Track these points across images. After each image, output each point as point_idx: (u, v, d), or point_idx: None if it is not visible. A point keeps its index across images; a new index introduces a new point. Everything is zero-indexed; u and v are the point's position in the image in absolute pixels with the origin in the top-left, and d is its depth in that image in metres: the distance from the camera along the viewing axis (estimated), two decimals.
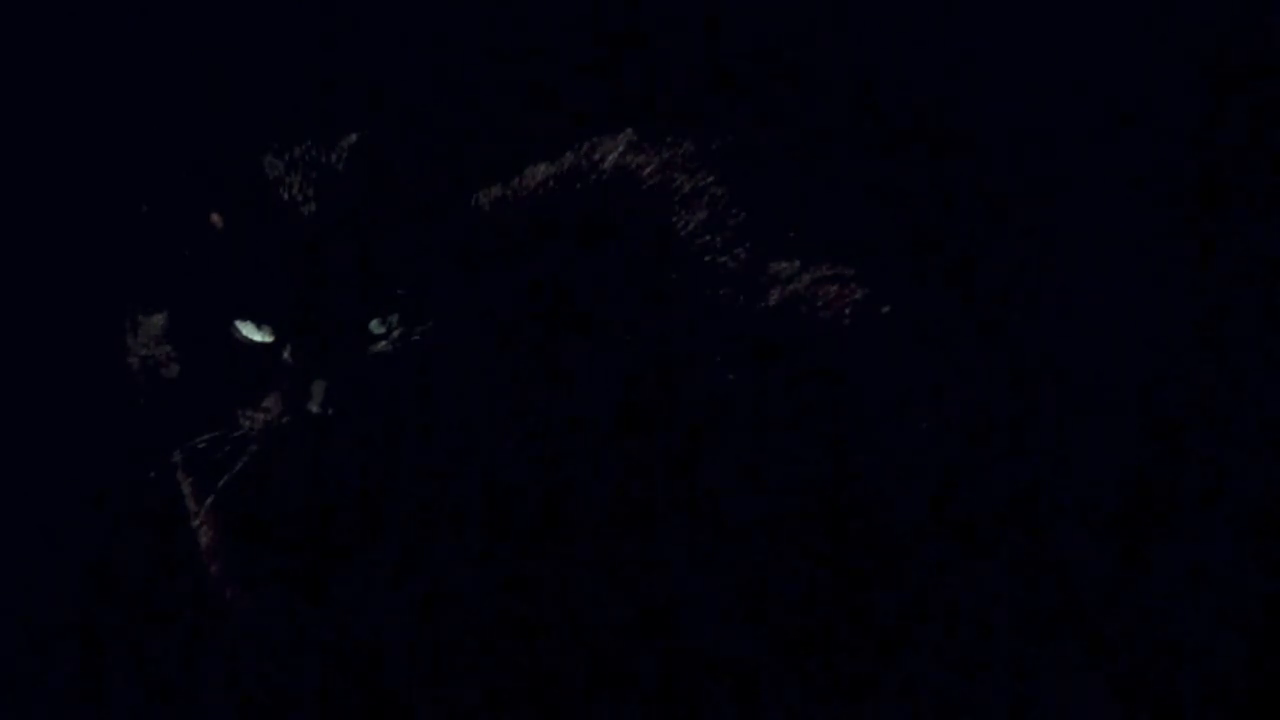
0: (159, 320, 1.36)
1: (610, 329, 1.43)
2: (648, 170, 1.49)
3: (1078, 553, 1.60)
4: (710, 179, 1.49)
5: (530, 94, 1.87)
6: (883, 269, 1.48)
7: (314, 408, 1.31)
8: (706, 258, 1.46)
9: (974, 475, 1.48)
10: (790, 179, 1.54)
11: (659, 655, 1.43)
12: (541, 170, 1.52)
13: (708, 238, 1.47)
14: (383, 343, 1.35)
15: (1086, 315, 1.77)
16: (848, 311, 1.45)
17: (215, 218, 1.34)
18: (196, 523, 1.43)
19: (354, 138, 1.38)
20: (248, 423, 1.33)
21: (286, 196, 1.35)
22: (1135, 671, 1.58)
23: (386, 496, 1.38)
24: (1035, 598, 1.54)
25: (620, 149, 1.51)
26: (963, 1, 1.84)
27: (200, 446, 1.34)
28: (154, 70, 1.83)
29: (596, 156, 1.51)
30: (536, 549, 1.41)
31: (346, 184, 1.36)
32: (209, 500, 1.37)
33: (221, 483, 1.34)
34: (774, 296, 1.45)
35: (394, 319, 1.35)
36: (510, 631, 1.41)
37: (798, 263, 1.46)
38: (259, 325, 1.33)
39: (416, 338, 1.35)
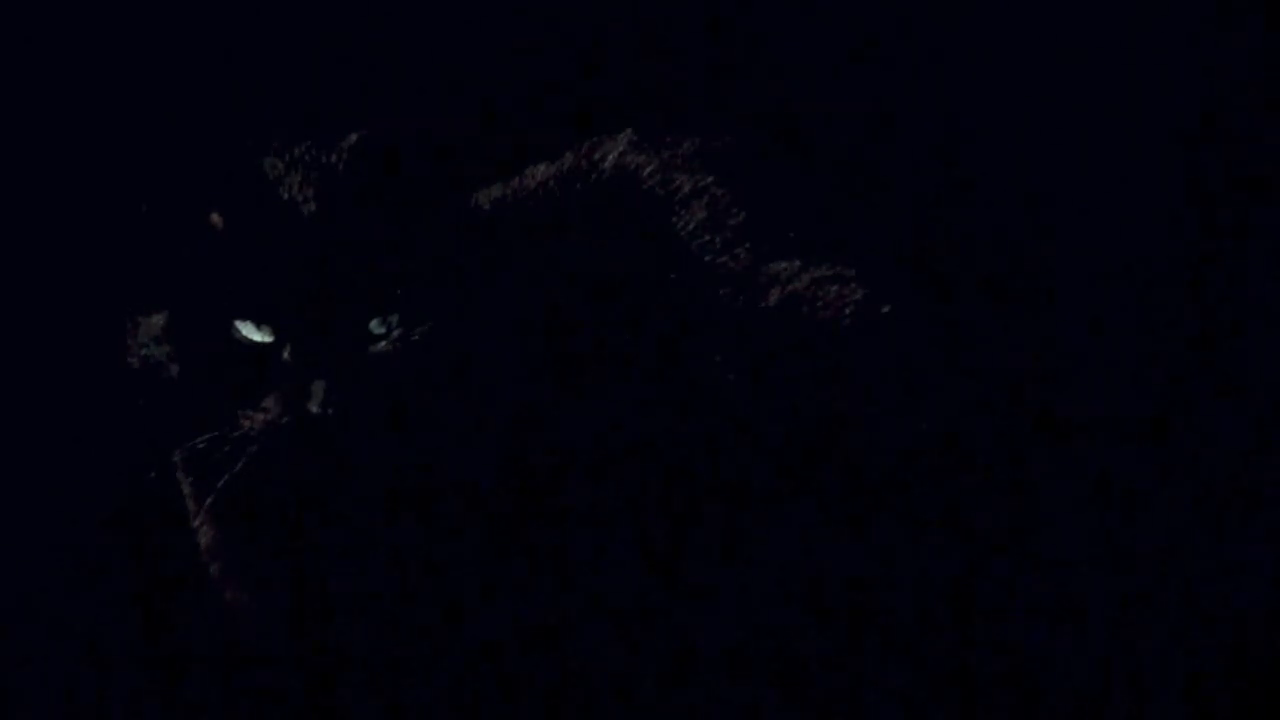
0: (159, 320, 1.36)
1: (610, 329, 1.43)
2: (648, 170, 1.49)
3: (1076, 553, 1.60)
4: (710, 179, 1.49)
5: (530, 94, 1.87)
6: (883, 269, 1.48)
7: (314, 408, 1.31)
8: (706, 258, 1.46)
9: (973, 476, 1.48)
10: (790, 179, 1.54)
11: (653, 654, 1.44)
12: (541, 170, 1.52)
13: (708, 238, 1.47)
14: (383, 343, 1.35)
15: (1087, 317, 1.77)
16: (848, 311, 1.45)
17: (215, 218, 1.34)
18: (196, 523, 1.43)
19: (354, 138, 1.38)
20: (248, 423, 1.33)
21: (286, 196, 1.35)
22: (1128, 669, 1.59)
23: (386, 497, 1.38)
24: (1032, 596, 1.55)
25: (620, 149, 1.51)
26: (965, 3, 1.84)
27: (200, 446, 1.34)
28: (154, 70, 1.83)
29: (596, 156, 1.51)
30: (536, 547, 1.41)
31: (346, 184, 1.36)
32: (209, 500, 1.37)
33: (221, 483, 1.34)
34: (774, 296, 1.45)
35: (394, 319, 1.35)
36: (509, 629, 1.41)
37: (798, 263, 1.46)
38: (259, 325, 1.33)
39: (416, 338, 1.35)
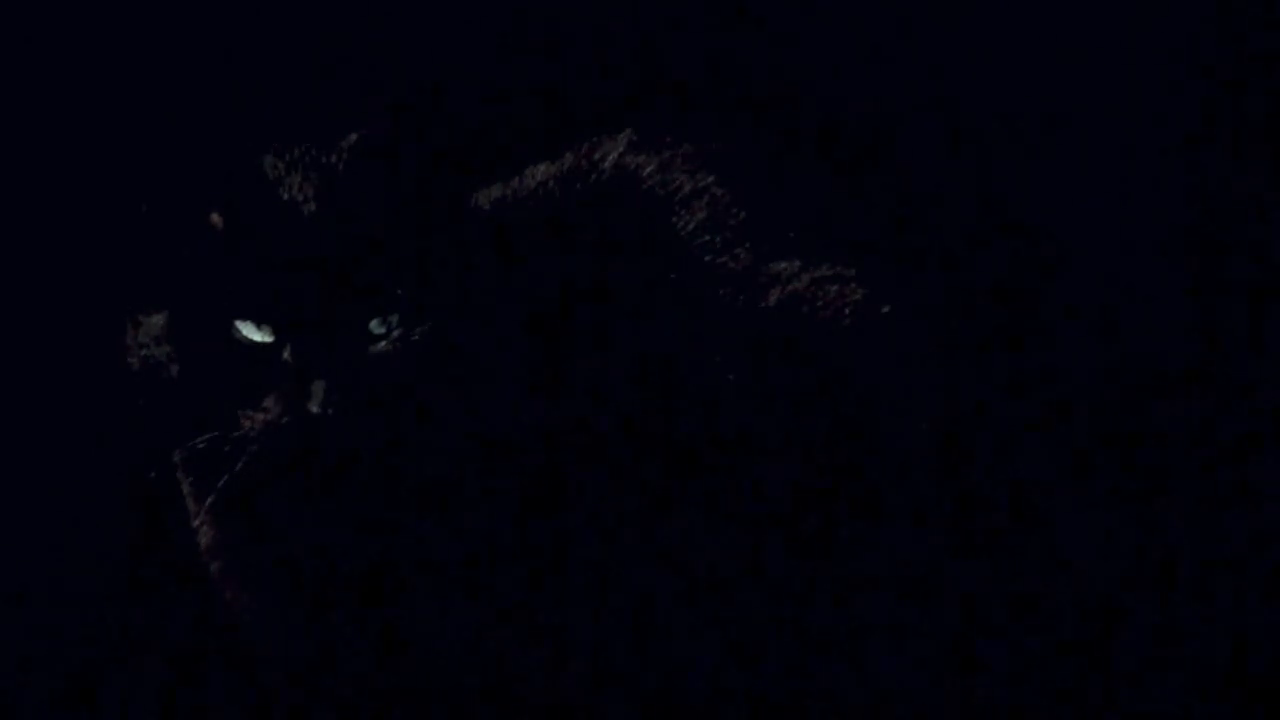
0: (159, 320, 1.36)
1: (610, 329, 1.43)
2: (648, 170, 1.49)
3: (1073, 553, 1.60)
4: (710, 179, 1.49)
5: (530, 94, 1.87)
6: (883, 269, 1.48)
7: (314, 408, 1.31)
8: (706, 258, 1.46)
9: (973, 476, 1.48)
10: (791, 179, 1.54)
11: (649, 660, 1.44)
12: (541, 170, 1.52)
13: (708, 238, 1.47)
14: (383, 343, 1.35)
15: (1086, 316, 1.77)
16: (848, 311, 1.45)
17: (215, 218, 1.34)
18: (196, 523, 1.43)
19: (354, 138, 1.38)
20: (248, 423, 1.33)
21: (286, 196, 1.35)
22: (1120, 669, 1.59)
23: (386, 496, 1.38)
24: (1029, 597, 1.55)
25: (620, 149, 1.51)
26: (967, 3, 1.84)
27: (200, 446, 1.34)
28: (154, 70, 1.83)
29: (596, 156, 1.51)
30: (536, 548, 1.41)
31: (346, 184, 1.36)
32: (209, 500, 1.37)
33: (221, 483, 1.34)
34: (774, 296, 1.45)
35: (394, 319, 1.35)
36: (509, 628, 1.41)
37: (798, 263, 1.46)
38: (259, 325, 1.33)
39: (416, 338, 1.35)
